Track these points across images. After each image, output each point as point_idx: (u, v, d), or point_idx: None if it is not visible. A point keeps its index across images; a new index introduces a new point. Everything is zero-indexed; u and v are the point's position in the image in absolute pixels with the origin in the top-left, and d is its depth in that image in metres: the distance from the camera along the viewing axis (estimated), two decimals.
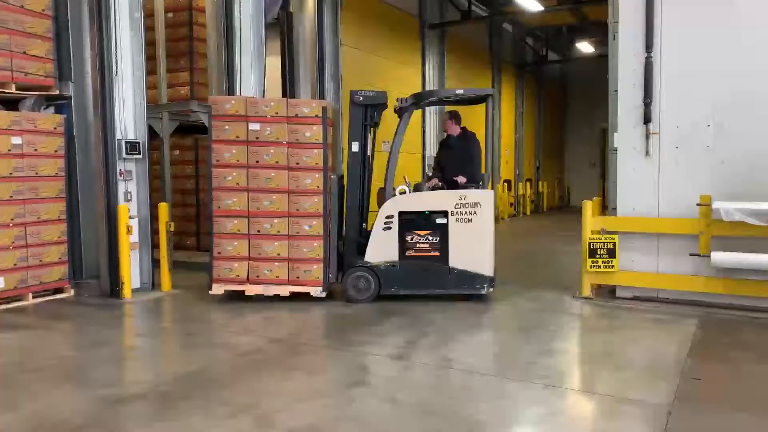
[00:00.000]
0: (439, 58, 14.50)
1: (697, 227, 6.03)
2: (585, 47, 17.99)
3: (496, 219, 16.68)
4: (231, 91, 8.68)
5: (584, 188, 23.91)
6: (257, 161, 6.60)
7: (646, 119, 6.31)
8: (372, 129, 6.82)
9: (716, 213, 5.68)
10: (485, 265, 6.49)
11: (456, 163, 6.83)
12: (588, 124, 23.81)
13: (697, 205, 5.99)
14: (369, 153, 6.74)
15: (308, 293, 6.60)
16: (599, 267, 6.48)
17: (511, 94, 19.22)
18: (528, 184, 19.68)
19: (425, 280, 6.52)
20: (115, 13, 6.89)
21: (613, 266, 6.44)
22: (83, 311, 6.42)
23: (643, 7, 6.30)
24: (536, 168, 21.18)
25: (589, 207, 6.60)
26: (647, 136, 6.34)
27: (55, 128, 6.92)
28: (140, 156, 7.17)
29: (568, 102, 24.37)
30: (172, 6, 10.37)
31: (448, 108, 7.01)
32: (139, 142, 7.14)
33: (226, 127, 6.61)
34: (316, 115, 6.56)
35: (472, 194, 6.49)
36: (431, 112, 14.32)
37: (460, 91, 6.80)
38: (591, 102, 23.68)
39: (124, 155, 6.99)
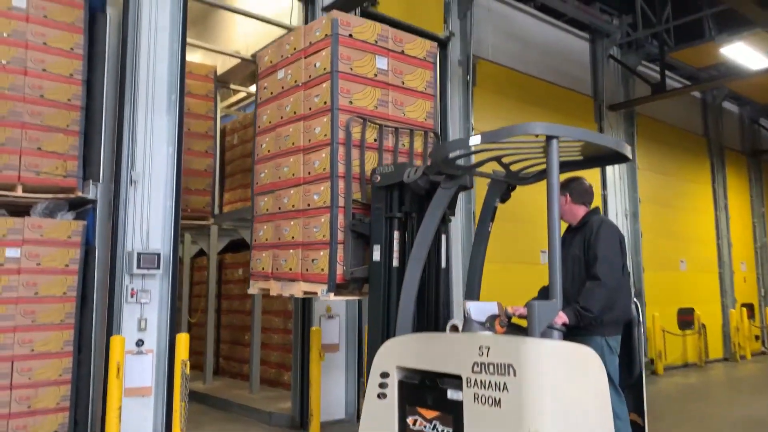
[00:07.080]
0: (626, 141, 11.33)
1: None
2: None
3: (733, 358, 11.96)
4: None
5: None
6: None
7: None
8: (408, 223, 4.10)
9: None
10: None
11: (569, 278, 3.72)
12: None
13: None
14: (397, 263, 4.03)
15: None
16: None
17: (744, 190, 14.73)
18: None
19: None
20: (135, 92, 5.60)
21: None
22: None
23: None
24: None
25: None
26: None
27: (68, 237, 5.59)
28: (160, 271, 5.49)
29: None
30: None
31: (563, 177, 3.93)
32: (159, 254, 5.49)
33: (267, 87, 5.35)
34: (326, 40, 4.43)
35: (501, 345, 3.08)
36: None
37: (475, 141, 3.27)
38: None
39: (135, 270, 5.36)
